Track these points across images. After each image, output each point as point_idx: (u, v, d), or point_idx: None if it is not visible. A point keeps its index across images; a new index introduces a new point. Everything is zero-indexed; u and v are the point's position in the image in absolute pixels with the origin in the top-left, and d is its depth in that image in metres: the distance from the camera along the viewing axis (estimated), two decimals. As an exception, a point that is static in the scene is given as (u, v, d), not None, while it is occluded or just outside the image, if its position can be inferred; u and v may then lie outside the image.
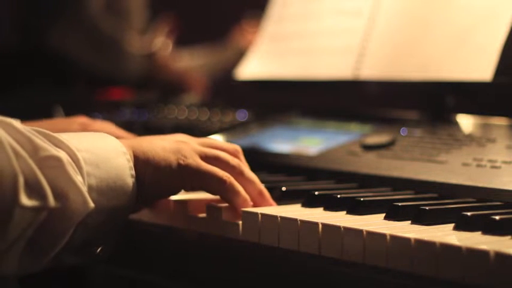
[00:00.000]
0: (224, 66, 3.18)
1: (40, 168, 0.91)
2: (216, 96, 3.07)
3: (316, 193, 1.13)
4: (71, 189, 0.93)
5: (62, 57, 2.81)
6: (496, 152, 1.20)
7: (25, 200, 0.89)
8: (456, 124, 1.40)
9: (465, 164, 1.18)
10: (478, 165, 1.16)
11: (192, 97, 2.86)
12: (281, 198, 1.17)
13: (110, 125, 1.35)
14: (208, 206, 1.13)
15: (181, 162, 1.07)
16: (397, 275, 0.90)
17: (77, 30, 2.84)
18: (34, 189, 0.90)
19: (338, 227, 0.96)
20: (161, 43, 3.19)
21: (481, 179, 1.13)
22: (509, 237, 0.90)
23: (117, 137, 1.07)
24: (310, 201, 1.12)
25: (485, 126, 1.36)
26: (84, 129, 1.28)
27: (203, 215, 1.13)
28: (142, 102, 2.02)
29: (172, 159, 1.07)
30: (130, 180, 1.02)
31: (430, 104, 1.51)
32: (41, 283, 1.45)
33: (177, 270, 1.23)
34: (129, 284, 1.35)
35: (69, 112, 1.85)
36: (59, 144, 0.96)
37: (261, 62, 1.74)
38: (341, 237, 0.95)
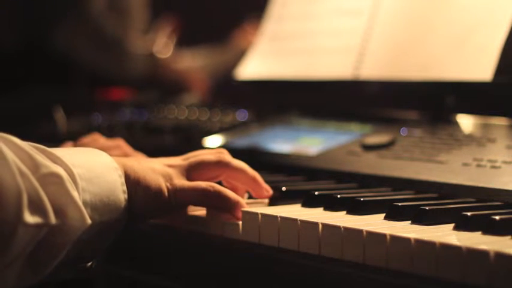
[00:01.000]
0: (225, 67, 3.18)
1: (41, 185, 0.92)
2: (216, 96, 3.07)
3: (316, 193, 1.13)
4: (69, 206, 0.94)
5: (63, 57, 2.81)
6: (496, 152, 1.20)
7: (28, 218, 0.90)
8: (456, 124, 1.40)
9: (465, 164, 1.18)
10: (478, 165, 1.16)
11: (192, 97, 2.86)
12: (281, 198, 1.17)
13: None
14: (208, 206, 1.13)
15: (169, 185, 1.08)
16: (397, 275, 0.90)
17: (80, 31, 2.84)
18: (36, 206, 0.91)
19: (338, 227, 0.96)
20: (163, 43, 3.19)
21: (481, 179, 1.13)
22: (509, 237, 0.90)
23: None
24: (310, 201, 1.12)
25: (485, 126, 1.35)
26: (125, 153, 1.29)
27: (203, 215, 1.13)
28: (142, 102, 2.02)
29: (161, 181, 1.08)
30: (122, 196, 1.03)
31: (430, 104, 1.51)
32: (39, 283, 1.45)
33: (177, 270, 1.23)
34: (129, 284, 1.35)
35: (69, 112, 1.85)
36: (55, 160, 0.97)
37: (261, 62, 1.74)
38: (341, 237, 0.95)
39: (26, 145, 0.94)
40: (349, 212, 1.06)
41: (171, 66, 3.15)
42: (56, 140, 1.38)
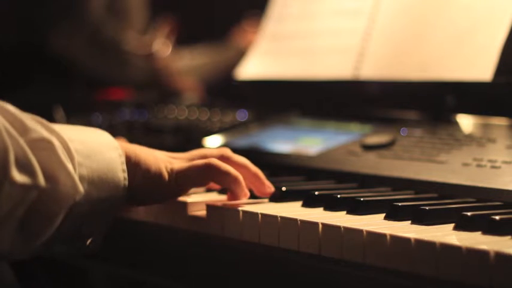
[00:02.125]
0: (225, 66, 3.18)
1: (31, 149, 0.92)
2: (216, 96, 3.06)
3: (316, 193, 1.13)
4: (61, 172, 0.95)
5: (63, 58, 2.81)
6: (496, 152, 1.20)
7: (16, 175, 0.90)
8: (456, 124, 1.40)
9: (465, 164, 1.18)
10: (478, 165, 1.16)
11: (192, 97, 2.86)
12: (281, 198, 1.17)
13: None
14: (208, 206, 1.13)
15: (169, 169, 1.09)
16: (397, 275, 0.90)
17: (79, 33, 2.84)
18: (24, 166, 0.91)
19: (338, 227, 0.96)
20: (161, 43, 3.19)
21: (481, 179, 1.13)
22: (509, 237, 0.90)
23: None
24: (310, 201, 1.12)
25: (485, 126, 1.35)
26: None
27: (203, 215, 1.13)
28: (142, 102, 2.02)
29: (162, 166, 1.09)
30: (121, 175, 1.03)
31: (430, 104, 1.51)
32: (41, 283, 1.45)
33: (177, 270, 1.23)
34: (129, 284, 1.35)
35: (69, 112, 1.85)
36: (51, 132, 0.97)
37: (261, 62, 1.74)
38: (341, 237, 0.95)
39: (18, 111, 0.95)
40: (349, 212, 1.06)
41: (169, 67, 3.15)
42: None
